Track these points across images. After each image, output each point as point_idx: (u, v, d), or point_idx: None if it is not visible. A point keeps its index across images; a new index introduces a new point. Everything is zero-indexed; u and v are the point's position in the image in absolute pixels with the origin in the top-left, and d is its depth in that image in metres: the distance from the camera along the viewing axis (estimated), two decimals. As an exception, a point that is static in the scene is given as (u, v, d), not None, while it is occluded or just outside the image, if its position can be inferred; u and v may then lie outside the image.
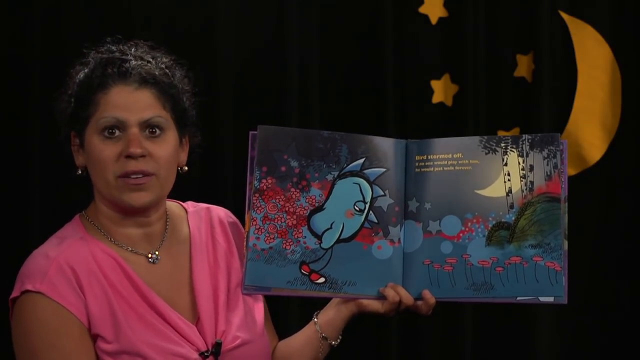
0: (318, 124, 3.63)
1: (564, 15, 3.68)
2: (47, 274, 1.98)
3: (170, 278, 2.10)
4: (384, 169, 2.17)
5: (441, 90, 3.70)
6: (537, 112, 3.66)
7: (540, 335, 3.63)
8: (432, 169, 2.18)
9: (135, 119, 2.03)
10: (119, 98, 2.03)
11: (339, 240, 2.15)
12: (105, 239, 2.08)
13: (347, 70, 3.68)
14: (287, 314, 3.43)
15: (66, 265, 2.00)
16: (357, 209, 2.17)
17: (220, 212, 2.26)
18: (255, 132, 2.17)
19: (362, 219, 2.16)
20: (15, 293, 2.01)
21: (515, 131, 3.70)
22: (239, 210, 3.50)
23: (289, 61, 3.62)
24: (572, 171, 3.68)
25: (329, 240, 2.15)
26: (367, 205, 2.16)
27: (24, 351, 1.98)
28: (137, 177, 2.04)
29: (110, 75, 2.04)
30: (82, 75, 2.07)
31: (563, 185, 2.16)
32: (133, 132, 2.03)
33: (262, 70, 3.64)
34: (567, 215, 2.16)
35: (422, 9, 3.67)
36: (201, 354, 2.05)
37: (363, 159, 2.17)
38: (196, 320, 2.09)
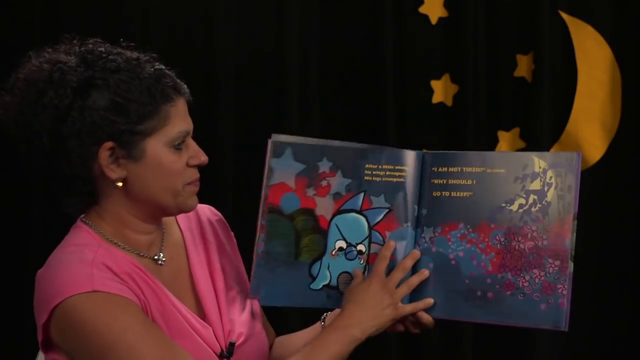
0: (318, 124, 3.62)
1: (564, 15, 3.68)
2: (92, 274, 1.95)
3: (176, 279, 2.10)
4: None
5: (441, 90, 3.70)
6: (537, 112, 3.65)
7: (541, 337, 3.63)
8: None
9: (191, 130, 2.07)
10: (182, 110, 2.05)
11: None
12: (115, 244, 2.06)
13: (347, 70, 3.67)
14: (288, 314, 3.46)
15: (104, 266, 1.98)
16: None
17: (206, 211, 2.25)
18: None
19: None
20: (54, 303, 1.94)
21: (515, 131, 3.70)
22: (238, 211, 3.52)
23: (288, 61, 3.62)
24: (572, 171, 3.68)
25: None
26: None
27: (97, 348, 1.93)
28: (197, 183, 2.08)
29: (170, 87, 2.03)
30: (129, 87, 2.00)
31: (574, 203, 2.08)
32: (193, 142, 2.07)
33: (262, 70, 3.63)
34: (575, 233, 2.08)
35: (422, 9, 3.67)
36: (220, 355, 2.06)
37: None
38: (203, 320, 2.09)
